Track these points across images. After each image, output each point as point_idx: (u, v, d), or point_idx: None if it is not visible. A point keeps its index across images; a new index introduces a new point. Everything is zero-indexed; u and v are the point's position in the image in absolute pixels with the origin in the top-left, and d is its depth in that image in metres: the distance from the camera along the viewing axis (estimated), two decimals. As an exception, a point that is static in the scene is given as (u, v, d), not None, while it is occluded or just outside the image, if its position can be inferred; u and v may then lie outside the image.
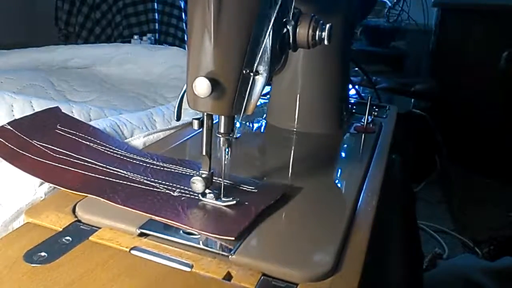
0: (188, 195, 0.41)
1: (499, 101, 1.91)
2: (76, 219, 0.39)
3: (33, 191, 0.43)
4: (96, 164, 0.45)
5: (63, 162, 0.44)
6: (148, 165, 0.47)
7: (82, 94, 0.81)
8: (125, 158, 0.48)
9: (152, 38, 1.68)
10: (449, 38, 2.07)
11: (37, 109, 0.58)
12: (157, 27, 1.94)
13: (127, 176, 0.44)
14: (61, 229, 0.37)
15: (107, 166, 0.45)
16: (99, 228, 0.38)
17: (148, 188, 0.42)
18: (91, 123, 0.55)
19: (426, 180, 1.79)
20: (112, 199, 0.40)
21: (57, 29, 2.01)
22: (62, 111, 0.54)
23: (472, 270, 1.03)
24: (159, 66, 0.97)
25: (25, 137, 0.46)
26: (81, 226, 0.38)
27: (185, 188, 0.42)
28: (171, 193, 0.42)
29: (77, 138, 0.49)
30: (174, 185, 0.43)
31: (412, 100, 1.74)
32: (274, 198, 0.42)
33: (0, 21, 1.92)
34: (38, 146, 0.45)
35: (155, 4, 1.94)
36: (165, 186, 0.43)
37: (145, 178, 0.44)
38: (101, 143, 0.49)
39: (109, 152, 0.48)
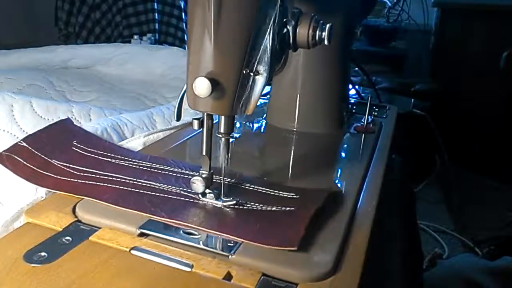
0: (239, 205, 0.40)
1: (499, 101, 1.91)
2: (76, 219, 0.39)
3: (34, 191, 0.43)
4: (125, 179, 0.44)
5: (90, 179, 0.43)
6: (178, 174, 0.46)
7: (82, 94, 0.81)
8: (152, 169, 0.46)
9: (152, 38, 1.68)
10: (449, 38, 2.07)
11: (37, 109, 0.58)
12: (157, 27, 1.94)
13: (162, 188, 0.43)
14: (61, 229, 0.37)
15: (138, 180, 0.44)
16: (99, 228, 0.38)
17: (188, 200, 0.41)
18: (91, 123, 0.55)
19: (426, 180, 1.79)
20: (156, 214, 0.38)
21: (57, 29, 2.01)
22: (75, 124, 0.53)
23: (472, 270, 1.03)
24: (159, 66, 0.97)
25: (43, 156, 0.45)
26: (81, 226, 0.38)
27: (236, 198, 0.41)
28: (215, 205, 0.40)
29: (97, 156, 0.48)
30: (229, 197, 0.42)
31: (412, 100, 1.74)
32: (320, 203, 0.41)
33: (0, 21, 1.92)
34: (59, 165, 0.44)
35: (155, 4, 1.94)
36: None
37: (181, 189, 0.43)
38: (123, 157, 0.48)
39: (134, 166, 0.47)
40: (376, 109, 0.74)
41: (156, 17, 1.94)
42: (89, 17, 1.96)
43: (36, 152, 0.45)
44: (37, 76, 0.82)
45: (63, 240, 0.36)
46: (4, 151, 0.44)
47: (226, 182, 0.42)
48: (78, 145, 0.48)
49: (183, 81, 0.39)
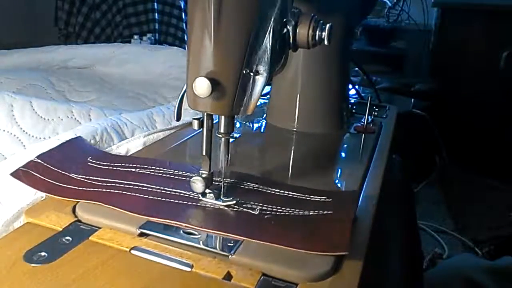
0: (270, 211, 0.40)
1: (499, 101, 1.91)
2: (76, 219, 0.39)
3: (34, 191, 0.43)
4: (151, 187, 0.42)
5: (115, 188, 0.42)
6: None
7: (82, 94, 0.81)
8: (176, 177, 0.45)
9: (152, 38, 1.68)
10: (449, 38, 2.07)
11: (37, 109, 0.58)
12: (157, 27, 1.94)
13: (191, 196, 0.41)
14: (61, 229, 0.37)
15: (165, 188, 0.42)
16: (99, 228, 0.38)
17: (219, 208, 0.40)
18: (91, 123, 0.55)
19: (426, 180, 1.79)
20: (192, 223, 0.37)
21: (57, 29, 2.01)
22: (85, 142, 0.52)
23: (472, 270, 1.03)
24: (159, 66, 0.97)
25: (60, 171, 0.44)
26: (81, 226, 0.38)
27: (264, 204, 0.41)
28: (251, 211, 0.39)
29: (116, 168, 0.46)
30: (251, 202, 0.41)
31: (412, 100, 1.74)
32: (353, 205, 0.41)
33: (0, 21, 1.92)
34: (79, 178, 0.44)
35: (155, 4, 1.94)
36: (242, 205, 0.41)
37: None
38: (143, 166, 0.47)
39: (157, 174, 0.45)
40: (376, 109, 0.74)
41: (156, 17, 1.94)
42: (89, 17, 1.96)
43: (52, 168, 0.44)
44: (37, 76, 0.82)
45: (63, 240, 0.36)
46: (19, 167, 0.43)
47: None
48: (93, 160, 0.47)
49: (183, 81, 0.39)
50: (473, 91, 1.96)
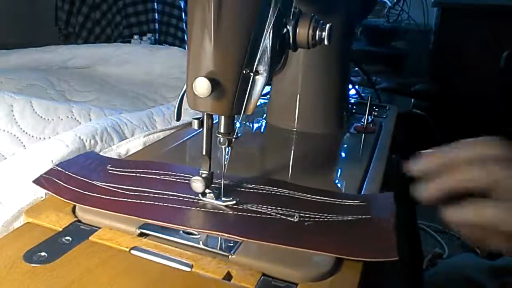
0: (308, 218, 0.39)
1: (499, 101, 1.91)
2: (76, 219, 0.39)
3: (34, 191, 0.43)
4: (183, 197, 0.41)
5: (144, 198, 0.41)
6: (239, 188, 0.44)
7: (82, 94, 0.81)
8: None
9: (152, 38, 1.68)
10: (449, 38, 2.07)
11: (37, 109, 0.58)
12: (157, 27, 1.94)
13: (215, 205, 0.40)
14: (61, 229, 0.37)
15: (196, 197, 0.41)
16: (99, 228, 0.38)
17: (262, 216, 0.39)
18: (91, 123, 0.55)
19: (426, 180, 1.78)
20: (232, 233, 0.36)
21: (57, 29, 2.01)
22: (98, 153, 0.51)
23: (472, 269, 1.02)
24: (159, 66, 0.97)
25: (83, 178, 0.43)
26: (81, 226, 0.38)
27: (305, 212, 0.40)
28: (290, 218, 0.39)
29: (140, 175, 0.45)
30: (289, 209, 0.40)
31: (412, 100, 1.74)
32: (392, 208, 0.41)
33: (0, 21, 1.92)
34: (104, 186, 0.43)
35: (155, 4, 1.94)
36: (279, 212, 0.40)
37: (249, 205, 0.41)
38: (169, 172, 0.46)
39: (186, 181, 0.44)
40: (376, 109, 0.74)
41: (156, 17, 1.94)
42: (89, 17, 1.95)
43: (75, 175, 0.43)
44: (37, 76, 0.82)
45: (63, 240, 0.36)
46: (41, 175, 0.43)
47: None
48: (114, 168, 0.47)
49: (183, 81, 0.39)
50: (473, 91, 1.96)
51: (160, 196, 0.41)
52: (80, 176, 0.43)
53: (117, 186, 0.43)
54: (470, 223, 0.36)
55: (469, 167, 0.36)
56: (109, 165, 0.47)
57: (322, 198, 0.43)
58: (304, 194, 0.43)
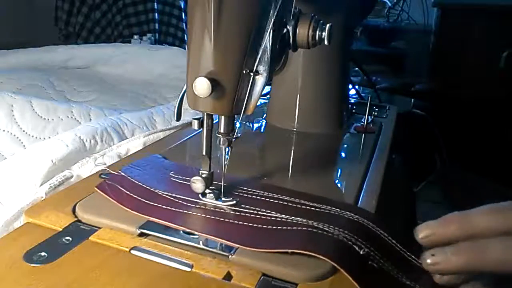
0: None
1: (499, 101, 1.91)
2: (76, 219, 0.39)
3: (34, 191, 0.43)
4: (263, 214, 0.39)
5: (215, 214, 0.39)
6: (292, 204, 0.41)
7: (82, 94, 0.81)
8: (277, 200, 0.42)
9: (152, 38, 1.68)
10: (449, 38, 2.06)
11: (37, 109, 0.58)
12: (157, 27, 1.94)
13: (302, 222, 0.38)
14: (61, 229, 0.37)
15: (271, 212, 0.39)
16: (99, 228, 0.38)
17: (324, 233, 0.36)
18: (91, 123, 0.55)
19: (426, 180, 1.79)
20: (325, 254, 0.33)
21: (57, 29, 2.01)
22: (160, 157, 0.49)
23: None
24: (159, 66, 0.98)
25: (145, 186, 0.42)
26: (81, 226, 0.38)
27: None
28: (357, 249, 0.35)
29: None
30: (360, 240, 0.37)
31: (412, 100, 1.74)
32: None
33: (0, 21, 1.92)
34: (165, 196, 0.41)
35: (155, 4, 1.94)
36: (341, 232, 0.37)
37: (309, 221, 0.38)
38: (239, 187, 0.43)
39: (255, 196, 0.42)
40: (376, 109, 0.74)
41: (156, 17, 1.94)
42: (89, 17, 1.95)
43: (137, 182, 0.42)
44: (37, 76, 0.82)
45: (63, 240, 0.36)
46: (105, 180, 0.42)
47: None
48: (176, 175, 0.45)
49: (183, 81, 0.39)
50: (473, 91, 1.96)
51: (252, 216, 0.39)
52: (142, 183, 0.42)
53: (179, 196, 0.41)
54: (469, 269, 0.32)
55: (495, 246, 0.31)
56: (172, 172, 0.46)
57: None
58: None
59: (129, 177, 0.43)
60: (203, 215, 0.39)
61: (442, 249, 0.32)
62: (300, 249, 0.34)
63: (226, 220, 0.38)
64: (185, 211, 0.39)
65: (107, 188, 0.41)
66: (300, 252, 0.34)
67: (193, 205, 0.40)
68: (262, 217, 0.39)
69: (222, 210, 0.40)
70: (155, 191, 0.42)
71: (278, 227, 0.37)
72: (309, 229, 0.37)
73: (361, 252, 0.35)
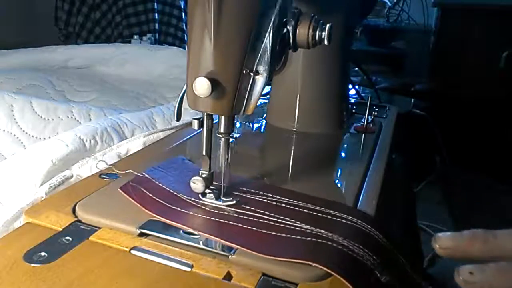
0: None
1: (499, 101, 1.91)
2: (76, 219, 0.39)
3: (34, 191, 0.43)
4: (290, 223, 0.38)
5: (235, 220, 0.38)
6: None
7: (82, 94, 0.81)
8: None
9: (152, 38, 1.68)
10: (449, 38, 2.06)
11: (37, 109, 0.58)
12: (157, 27, 1.94)
13: (303, 228, 0.38)
14: (61, 229, 0.37)
15: (274, 216, 0.38)
16: (99, 228, 0.38)
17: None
18: (91, 123, 0.55)
19: (426, 180, 1.79)
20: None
21: (57, 29, 2.01)
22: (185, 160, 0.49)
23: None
24: (159, 66, 0.98)
25: (168, 189, 0.42)
26: (81, 226, 0.38)
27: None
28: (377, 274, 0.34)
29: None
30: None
31: (412, 100, 1.74)
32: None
33: (0, 21, 1.92)
34: (189, 200, 0.41)
35: (155, 4, 1.94)
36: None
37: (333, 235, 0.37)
38: (256, 191, 0.43)
39: (279, 203, 0.41)
40: (376, 109, 0.74)
41: (156, 17, 1.94)
42: (89, 17, 1.95)
43: (161, 185, 0.42)
44: (37, 76, 0.82)
45: (63, 240, 0.36)
46: (129, 181, 0.42)
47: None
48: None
49: (183, 81, 0.39)
50: (473, 91, 1.96)
51: (243, 217, 0.39)
52: (166, 186, 0.42)
53: (202, 201, 0.41)
54: None
55: None
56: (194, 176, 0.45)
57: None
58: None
59: (152, 179, 0.42)
60: (226, 221, 0.38)
61: (481, 268, 0.30)
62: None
63: (237, 224, 0.38)
64: (208, 217, 0.38)
65: (130, 191, 0.41)
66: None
67: (217, 211, 0.40)
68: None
69: (236, 215, 0.39)
70: (178, 195, 0.41)
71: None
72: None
73: (382, 279, 0.34)
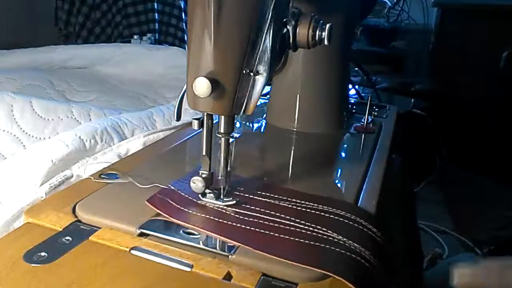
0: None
1: (499, 101, 1.91)
2: (76, 219, 0.39)
3: (34, 191, 0.43)
4: (302, 227, 0.38)
5: (259, 226, 0.38)
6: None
7: (82, 94, 0.81)
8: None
9: (152, 38, 1.68)
10: (449, 38, 2.06)
11: (37, 109, 0.58)
12: (157, 27, 1.94)
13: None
14: (61, 229, 0.37)
15: (317, 227, 0.38)
16: (99, 228, 0.38)
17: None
18: (91, 123, 0.55)
19: (426, 180, 1.79)
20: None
21: (57, 29, 2.01)
22: None
23: (472, 270, 1.02)
24: (159, 66, 0.97)
25: (192, 198, 0.42)
26: (81, 226, 0.38)
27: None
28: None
29: (254, 196, 0.43)
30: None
31: (412, 100, 1.74)
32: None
33: (0, 21, 1.92)
34: (212, 207, 0.41)
35: (155, 4, 1.94)
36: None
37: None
38: (283, 197, 0.42)
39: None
40: (376, 109, 0.74)
41: (156, 17, 1.94)
42: (89, 17, 1.95)
43: (186, 196, 0.42)
44: (37, 76, 0.82)
45: (63, 240, 0.36)
46: (155, 194, 0.42)
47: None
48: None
49: (183, 81, 0.39)
50: (473, 91, 1.96)
51: (264, 222, 0.39)
52: (189, 196, 0.42)
53: (232, 209, 0.41)
54: None
55: None
56: None
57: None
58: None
59: (178, 191, 0.43)
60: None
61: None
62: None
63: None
64: (234, 223, 0.38)
65: (157, 203, 0.41)
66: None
67: (244, 218, 0.40)
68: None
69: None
70: (197, 201, 0.41)
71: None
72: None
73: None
